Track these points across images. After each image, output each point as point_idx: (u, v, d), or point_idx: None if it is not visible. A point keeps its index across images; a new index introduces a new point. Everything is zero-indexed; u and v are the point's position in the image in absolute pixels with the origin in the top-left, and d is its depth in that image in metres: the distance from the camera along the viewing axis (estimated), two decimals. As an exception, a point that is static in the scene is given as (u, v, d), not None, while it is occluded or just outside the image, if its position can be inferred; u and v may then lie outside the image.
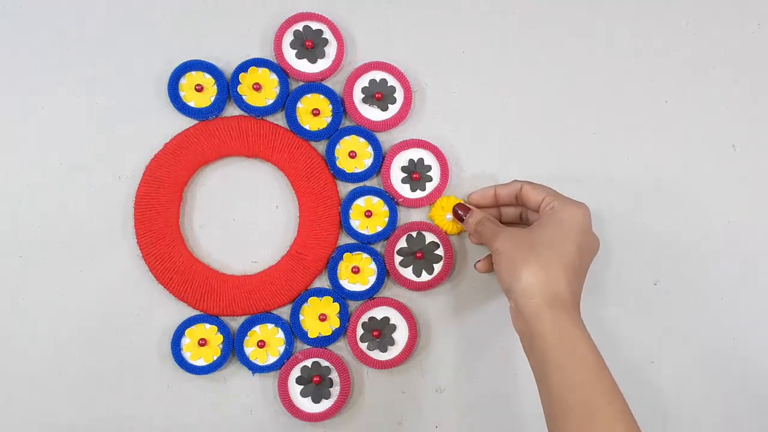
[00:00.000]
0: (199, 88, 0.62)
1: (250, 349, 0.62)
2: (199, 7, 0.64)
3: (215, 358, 0.61)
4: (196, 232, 0.63)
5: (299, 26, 0.63)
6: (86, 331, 0.62)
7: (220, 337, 0.61)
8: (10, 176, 0.62)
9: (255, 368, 0.62)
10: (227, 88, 0.62)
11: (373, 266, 0.62)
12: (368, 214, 0.62)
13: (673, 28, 0.66)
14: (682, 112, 0.65)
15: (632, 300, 0.64)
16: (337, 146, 0.63)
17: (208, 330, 0.61)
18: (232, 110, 0.63)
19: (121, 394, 0.62)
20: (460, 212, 0.60)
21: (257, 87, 0.62)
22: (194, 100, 0.62)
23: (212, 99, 0.62)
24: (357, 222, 0.62)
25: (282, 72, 0.63)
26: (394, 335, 0.62)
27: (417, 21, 0.65)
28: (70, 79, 0.63)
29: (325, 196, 0.63)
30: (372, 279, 0.62)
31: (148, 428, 0.62)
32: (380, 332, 0.62)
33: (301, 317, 0.62)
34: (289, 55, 0.63)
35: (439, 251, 0.63)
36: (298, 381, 0.61)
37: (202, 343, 0.61)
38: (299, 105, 0.63)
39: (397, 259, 0.62)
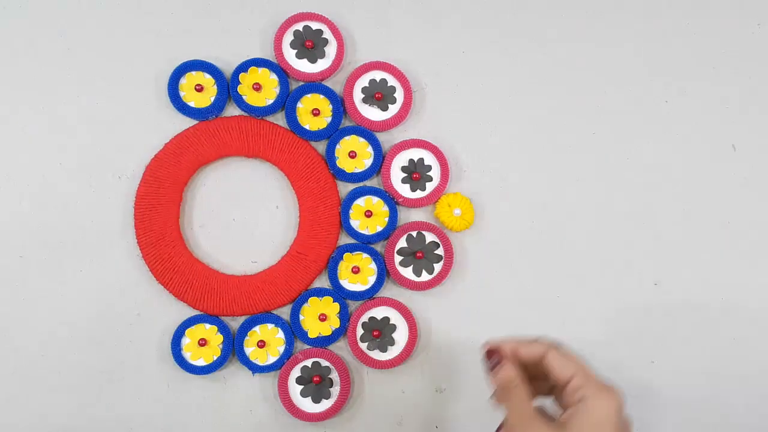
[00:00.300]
0: (199, 88, 0.62)
1: (250, 349, 0.62)
2: (199, 7, 0.64)
3: (215, 358, 0.61)
4: (196, 232, 0.63)
5: (299, 26, 0.63)
6: (86, 331, 0.62)
7: (220, 337, 0.61)
8: (10, 176, 0.62)
9: (255, 368, 0.62)
10: (227, 88, 0.62)
11: (373, 266, 0.62)
12: (368, 214, 0.62)
13: (673, 28, 0.66)
14: (682, 112, 0.65)
15: (632, 300, 0.64)
16: (337, 146, 0.63)
17: (208, 330, 0.61)
18: (232, 110, 0.63)
19: (121, 394, 0.62)
20: (489, 359, 0.52)
21: (257, 87, 0.62)
22: (194, 100, 0.62)
23: (212, 99, 0.62)
24: (357, 222, 0.62)
25: (282, 72, 0.63)
26: (394, 335, 0.62)
27: (417, 21, 0.65)
28: (70, 79, 0.63)
29: (325, 196, 0.63)
30: (372, 279, 0.62)
31: (148, 428, 0.62)
32: (380, 332, 0.62)
33: (301, 317, 0.62)
34: (289, 55, 0.63)
35: (439, 251, 0.63)
36: (298, 381, 0.61)
37: (202, 343, 0.61)
38: (299, 105, 0.63)
39: (397, 259, 0.63)
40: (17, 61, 0.62)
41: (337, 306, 0.62)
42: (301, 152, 0.63)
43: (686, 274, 0.64)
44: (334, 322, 0.62)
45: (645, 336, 0.64)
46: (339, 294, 0.62)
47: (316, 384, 0.61)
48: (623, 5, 0.66)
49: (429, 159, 0.63)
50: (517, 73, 0.65)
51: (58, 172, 0.62)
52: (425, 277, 0.63)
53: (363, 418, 0.63)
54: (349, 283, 0.62)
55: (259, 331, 0.62)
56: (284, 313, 0.63)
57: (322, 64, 0.63)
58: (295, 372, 0.62)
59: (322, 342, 0.62)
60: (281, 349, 0.62)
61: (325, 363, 0.62)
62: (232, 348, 0.62)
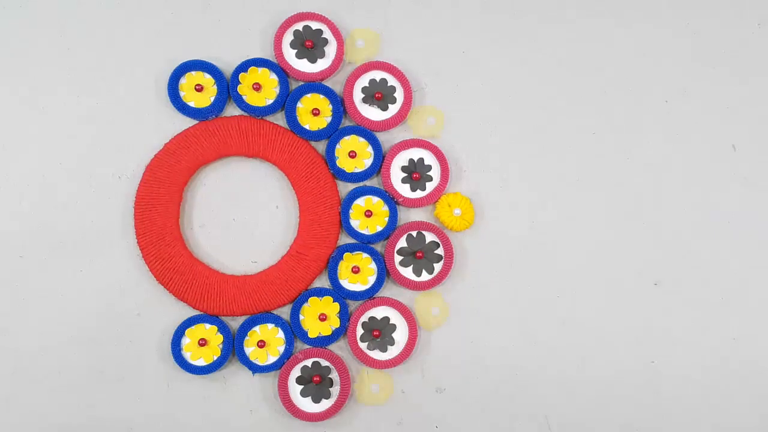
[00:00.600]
0: (199, 88, 0.62)
1: (250, 349, 0.62)
2: (199, 7, 0.64)
3: (215, 358, 0.61)
4: (196, 232, 0.63)
5: (299, 26, 0.63)
6: (86, 330, 0.62)
7: (220, 337, 0.61)
8: (10, 176, 0.62)
9: (255, 368, 0.62)
10: (227, 88, 0.62)
11: (373, 266, 0.62)
12: (368, 213, 0.62)
13: (673, 28, 0.66)
14: (682, 112, 0.65)
15: (632, 300, 0.64)
16: (337, 146, 0.63)
17: (208, 330, 0.61)
18: (232, 110, 0.63)
19: (121, 394, 0.62)
20: None
21: (257, 87, 0.62)
22: (194, 100, 0.62)
23: (212, 99, 0.62)
24: (357, 222, 0.62)
25: (282, 72, 0.63)
26: (394, 335, 0.62)
27: (417, 21, 0.65)
28: (70, 79, 0.63)
29: (325, 196, 0.63)
30: (372, 279, 0.62)
31: (148, 428, 0.62)
32: (380, 332, 0.62)
33: (301, 317, 0.62)
34: (289, 55, 0.63)
35: (439, 251, 0.63)
36: (298, 381, 0.61)
37: (202, 343, 0.61)
38: (299, 105, 0.63)
39: (397, 258, 0.63)
40: (17, 61, 0.63)
41: (337, 306, 0.62)
42: (301, 152, 0.63)
43: (686, 274, 0.64)
44: (334, 322, 0.62)
45: (645, 336, 0.64)
46: (339, 294, 0.62)
47: (316, 384, 0.61)
48: (623, 5, 0.66)
49: (429, 159, 0.63)
50: (517, 73, 0.65)
51: (58, 172, 0.62)
52: (425, 277, 0.63)
53: (363, 418, 0.63)
54: (349, 282, 0.62)
55: (259, 331, 0.62)
56: (284, 313, 0.63)
57: (322, 64, 0.63)
58: (295, 372, 0.62)
59: (322, 342, 0.62)
60: (281, 349, 0.62)
61: (325, 363, 0.62)
62: (232, 348, 0.62)
